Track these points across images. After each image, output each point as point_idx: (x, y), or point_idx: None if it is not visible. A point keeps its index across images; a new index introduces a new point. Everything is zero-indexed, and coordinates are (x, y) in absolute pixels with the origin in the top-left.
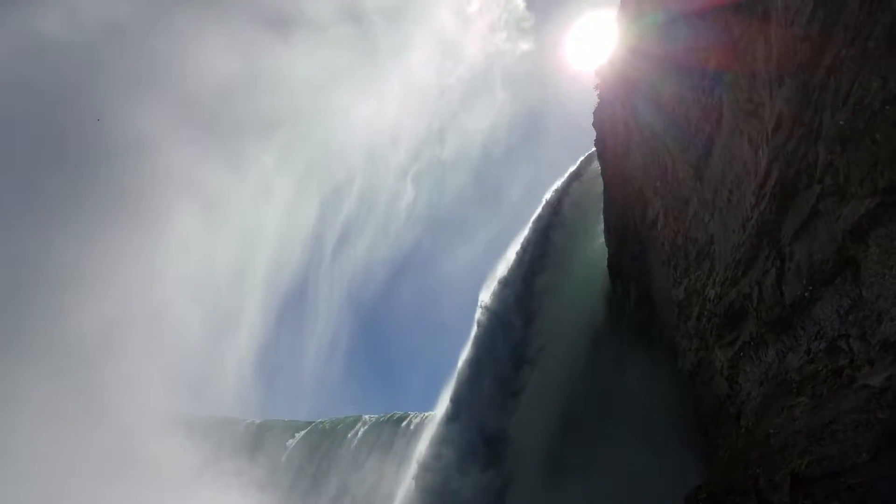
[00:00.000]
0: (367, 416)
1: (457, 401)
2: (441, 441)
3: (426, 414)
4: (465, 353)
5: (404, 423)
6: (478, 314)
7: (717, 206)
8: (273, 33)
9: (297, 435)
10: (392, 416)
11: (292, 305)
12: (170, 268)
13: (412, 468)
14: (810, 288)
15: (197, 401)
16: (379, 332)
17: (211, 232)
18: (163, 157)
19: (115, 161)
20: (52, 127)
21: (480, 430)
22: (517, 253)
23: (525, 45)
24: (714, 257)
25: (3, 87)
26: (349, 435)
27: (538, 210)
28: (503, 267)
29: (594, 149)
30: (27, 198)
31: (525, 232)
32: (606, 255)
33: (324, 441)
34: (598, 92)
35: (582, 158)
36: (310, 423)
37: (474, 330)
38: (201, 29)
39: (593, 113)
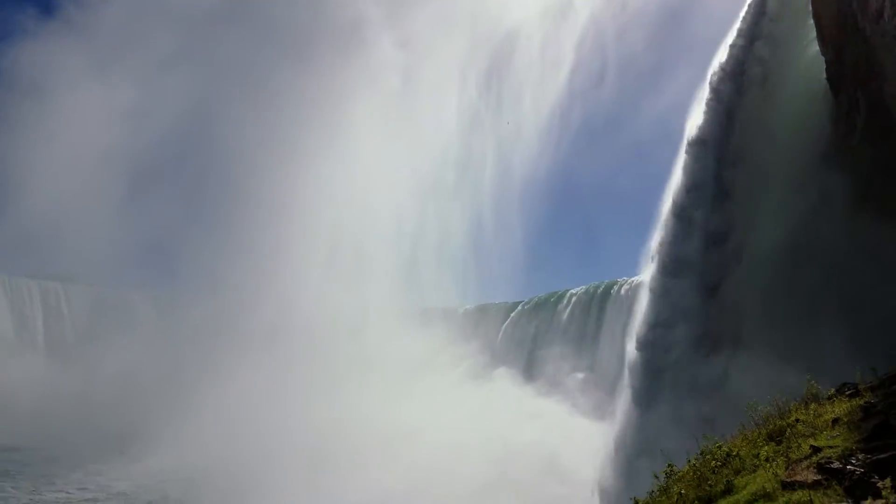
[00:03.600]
0: (574, 289)
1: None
2: (666, 265)
3: (634, 279)
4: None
5: (613, 291)
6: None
7: None
8: None
9: (510, 315)
10: (599, 285)
11: (484, 187)
12: (367, 151)
13: (638, 313)
14: None
15: (418, 293)
16: (573, 203)
17: (402, 117)
18: (352, 34)
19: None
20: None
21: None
22: (712, 80)
23: None
24: None
25: None
26: (559, 308)
27: (735, 26)
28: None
29: None
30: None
31: (721, 57)
32: (824, 66)
33: (536, 318)
34: None
35: None
36: (518, 302)
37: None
38: None
39: None
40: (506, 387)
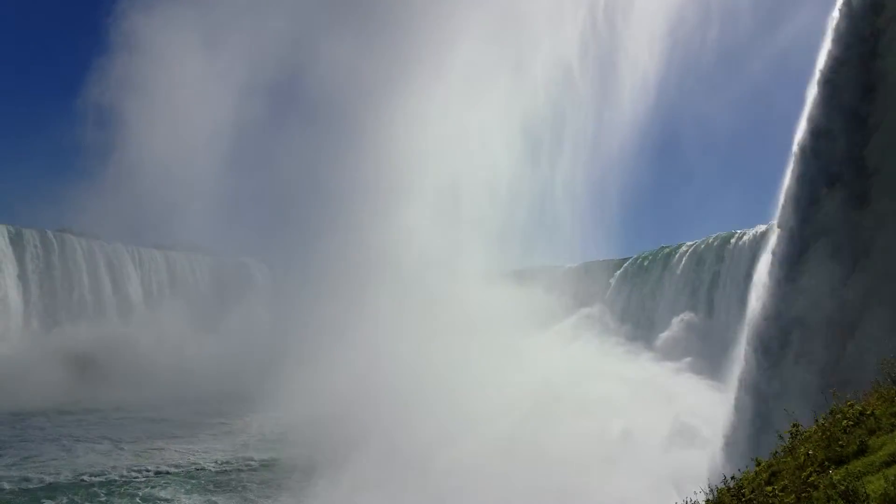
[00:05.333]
0: (687, 243)
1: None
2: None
3: (757, 228)
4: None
5: (732, 242)
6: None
7: None
8: None
9: (616, 273)
10: (716, 237)
11: (584, 142)
12: (464, 97)
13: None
14: None
15: (516, 251)
16: (683, 152)
17: (500, 64)
18: None
19: None
20: None
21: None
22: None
23: None
24: None
25: None
26: (672, 263)
27: None
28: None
29: None
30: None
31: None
32: None
33: (646, 273)
34: None
35: None
36: (626, 258)
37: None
38: None
39: None
40: (609, 346)
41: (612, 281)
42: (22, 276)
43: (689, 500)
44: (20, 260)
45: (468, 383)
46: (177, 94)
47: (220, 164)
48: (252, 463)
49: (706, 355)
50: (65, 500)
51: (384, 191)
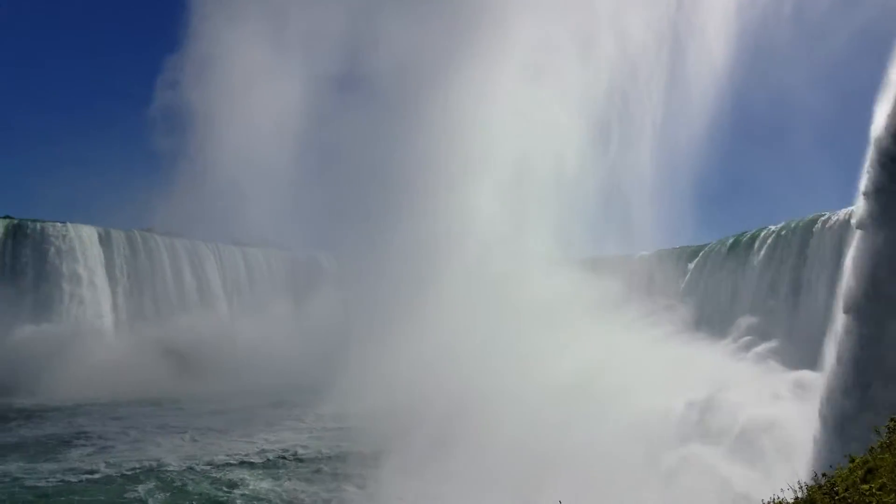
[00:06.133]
0: (771, 227)
1: None
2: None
3: (844, 210)
4: None
5: (818, 225)
6: None
7: None
8: None
9: (692, 261)
10: (800, 220)
11: (656, 126)
12: (528, 76)
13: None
14: None
15: (590, 239)
16: (760, 130)
17: (566, 49)
18: None
19: None
20: None
21: None
22: None
23: None
24: None
25: None
26: (754, 248)
27: None
28: None
29: None
30: None
31: None
32: None
33: (724, 260)
34: None
35: None
36: (702, 246)
37: None
38: None
39: None
40: (684, 335)
41: (689, 269)
42: (111, 275)
43: (775, 497)
44: (109, 260)
45: (537, 372)
46: (245, 91)
47: (287, 157)
48: (322, 452)
49: (789, 344)
50: (142, 488)
51: (447, 172)
